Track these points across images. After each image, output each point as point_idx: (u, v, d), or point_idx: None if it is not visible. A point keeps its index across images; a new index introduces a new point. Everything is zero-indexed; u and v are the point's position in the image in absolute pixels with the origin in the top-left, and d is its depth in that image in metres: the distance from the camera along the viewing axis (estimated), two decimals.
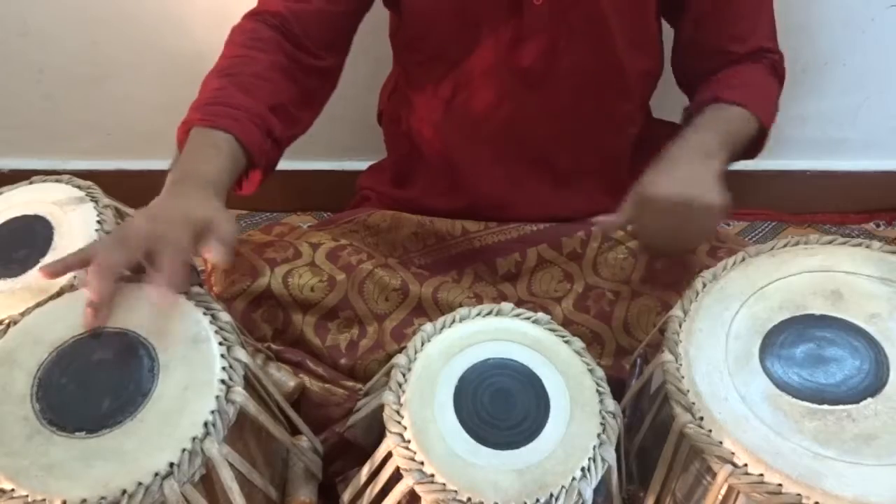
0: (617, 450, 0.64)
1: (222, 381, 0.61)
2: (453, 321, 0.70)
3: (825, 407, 0.59)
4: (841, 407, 0.60)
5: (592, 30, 0.85)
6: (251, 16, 0.85)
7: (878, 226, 1.40)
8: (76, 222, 0.76)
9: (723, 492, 0.60)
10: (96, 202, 0.79)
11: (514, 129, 0.92)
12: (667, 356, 0.65)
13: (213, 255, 0.64)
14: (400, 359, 0.67)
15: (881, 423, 0.58)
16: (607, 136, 0.95)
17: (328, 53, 0.88)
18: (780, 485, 0.56)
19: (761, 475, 0.57)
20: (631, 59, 0.88)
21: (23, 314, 0.66)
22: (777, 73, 0.92)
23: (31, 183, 0.83)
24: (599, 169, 0.97)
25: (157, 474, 0.56)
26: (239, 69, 0.81)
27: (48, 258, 0.74)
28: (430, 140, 0.96)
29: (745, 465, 0.58)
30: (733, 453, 0.59)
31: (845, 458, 0.57)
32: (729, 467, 0.58)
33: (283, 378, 0.81)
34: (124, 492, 0.55)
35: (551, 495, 0.59)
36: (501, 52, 0.87)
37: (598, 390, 0.66)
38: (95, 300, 0.62)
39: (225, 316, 0.66)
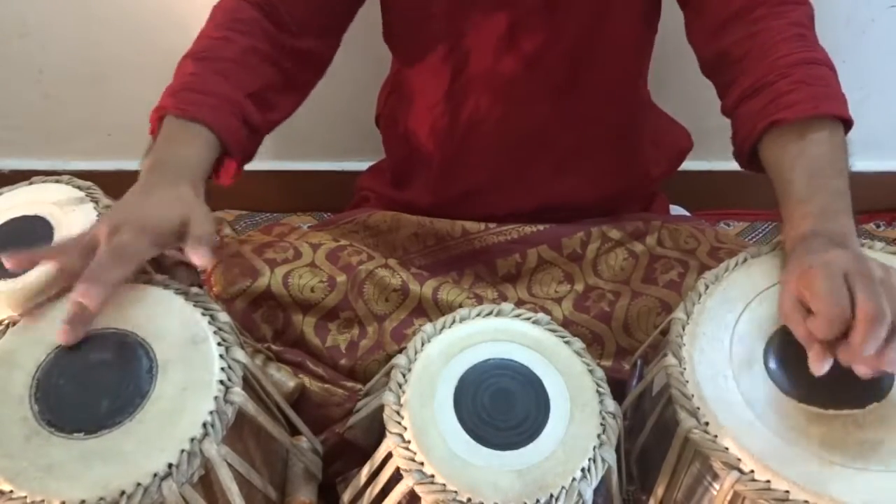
0: (617, 450, 0.64)
1: (221, 382, 0.61)
2: (453, 322, 0.70)
3: (830, 412, 0.59)
4: (846, 411, 0.59)
5: (589, 3, 0.83)
6: None
7: (878, 226, 1.40)
8: (76, 223, 0.76)
9: (728, 498, 0.59)
10: (96, 202, 0.79)
11: (514, 113, 0.90)
12: (670, 360, 0.64)
13: (195, 258, 0.64)
14: (400, 359, 0.67)
15: (886, 428, 0.58)
16: (609, 111, 0.93)
17: (314, 37, 0.85)
18: (787, 491, 0.55)
19: (768, 482, 0.56)
20: (627, 27, 0.87)
21: (22, 314, 0.66)
22: (811, 32, 0.77)
23: (31, 183, 0.82)
24: (603, 148, 0.95)
25: (155, 475, 0.56)
26: (216, 53, 0.79)
27: None
28: (427, 138, 0.95)
29: (752, 471, 0.57)
30: (739, 459, 0.58)
31: (852, 464, 0.56)
32: (735, 473, 0.57)
33: (282, 378, 0.80)
34: (123, 493, 0.55)
35: (551, 496, 0.59)
36: (500, 34, 0.85)
37: (598, 391, 0.65)
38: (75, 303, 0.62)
39: (224, 316, 0.66)
